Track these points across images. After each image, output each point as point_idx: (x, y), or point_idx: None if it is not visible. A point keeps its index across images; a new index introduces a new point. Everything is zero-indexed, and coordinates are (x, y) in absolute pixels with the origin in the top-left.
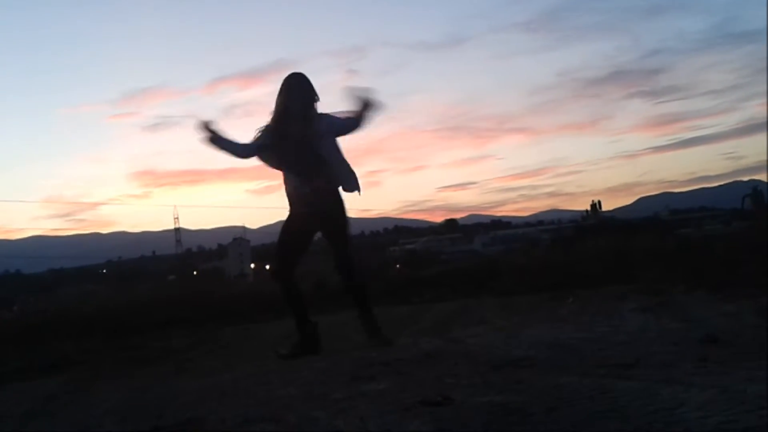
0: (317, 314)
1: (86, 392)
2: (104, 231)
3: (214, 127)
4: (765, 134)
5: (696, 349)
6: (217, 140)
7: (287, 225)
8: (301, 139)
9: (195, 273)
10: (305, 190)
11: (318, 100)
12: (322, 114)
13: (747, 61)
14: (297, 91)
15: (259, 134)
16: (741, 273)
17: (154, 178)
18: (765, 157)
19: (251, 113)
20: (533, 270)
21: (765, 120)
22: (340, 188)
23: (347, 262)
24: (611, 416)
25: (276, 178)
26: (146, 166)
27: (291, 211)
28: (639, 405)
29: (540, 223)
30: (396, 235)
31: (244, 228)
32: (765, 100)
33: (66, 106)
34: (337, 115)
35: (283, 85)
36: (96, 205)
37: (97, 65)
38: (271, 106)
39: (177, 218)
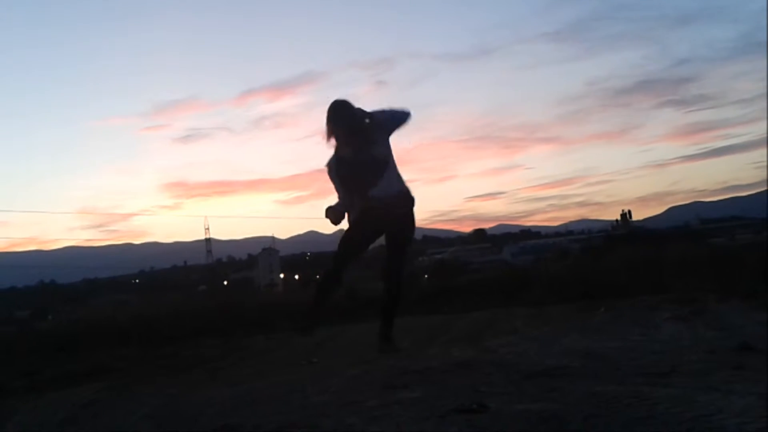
0: (349, 323)
1: (122, 399)
2: (137, 241)
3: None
4: None
5: (731, 357)
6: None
7: (350, 235)
8: (362, 154)
9: (225, 283)
10: (384, 195)
11: (364, 119)
12: (369, 118)
13: None
14: (341, 117)
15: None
16: None
17: (185, 189)
18: None
19: (281, 125)
20: (563, 280)
21: None
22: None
23: (398, 273)
24: (650, 423)
25: (304, 189)
26: (177, 177)
27: (358, 219)
28: (677, 412)
29: (570, 232)
30: (424, 245)
31: (273, 238)
32: None
33: (98, 118)
34: (379, 115)
35: (329, 112)
36: (129, 216)
37: (127, 78)
38: (302, 118)
39: (208, 228)
